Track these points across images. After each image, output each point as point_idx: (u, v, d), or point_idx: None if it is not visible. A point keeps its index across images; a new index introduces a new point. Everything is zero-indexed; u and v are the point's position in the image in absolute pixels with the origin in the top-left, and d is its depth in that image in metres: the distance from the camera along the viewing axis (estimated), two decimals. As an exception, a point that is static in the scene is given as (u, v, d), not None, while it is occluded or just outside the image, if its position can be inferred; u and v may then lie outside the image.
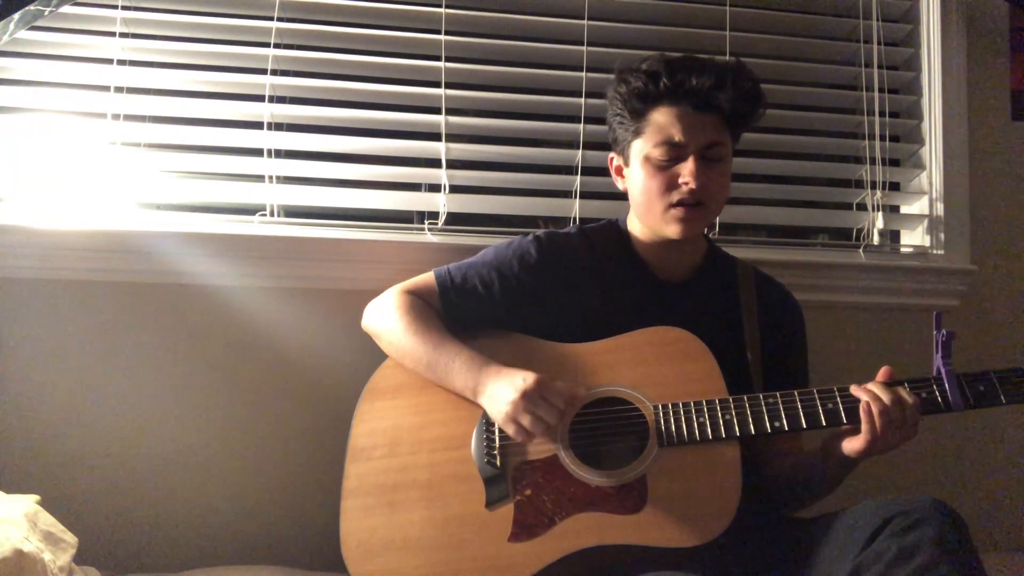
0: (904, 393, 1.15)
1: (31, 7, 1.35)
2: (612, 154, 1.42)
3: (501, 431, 1.25)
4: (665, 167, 1.29)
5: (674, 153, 1.29)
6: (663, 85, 1.28)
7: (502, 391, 1.21)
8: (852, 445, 1.15)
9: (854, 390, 1.17)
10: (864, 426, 1.13)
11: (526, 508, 1.19)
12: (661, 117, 1.29)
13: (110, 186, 1.60)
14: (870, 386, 1.16)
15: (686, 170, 1.28)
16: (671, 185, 1.29)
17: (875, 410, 1.12)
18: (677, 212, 1.30)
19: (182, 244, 1.56)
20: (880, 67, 1.86)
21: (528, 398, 1.18)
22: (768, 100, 1.36)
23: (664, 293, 1.39)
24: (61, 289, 1.55)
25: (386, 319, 1.36)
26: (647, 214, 1.34)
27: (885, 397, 1.13)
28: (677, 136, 1.28)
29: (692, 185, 1.27)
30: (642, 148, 1.31)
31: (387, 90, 1.72)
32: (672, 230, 1.31)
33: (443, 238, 1.67)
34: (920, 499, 1.05)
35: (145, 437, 1.55)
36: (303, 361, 1.60)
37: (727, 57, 1.79)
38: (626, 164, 1.37)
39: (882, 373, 1.19)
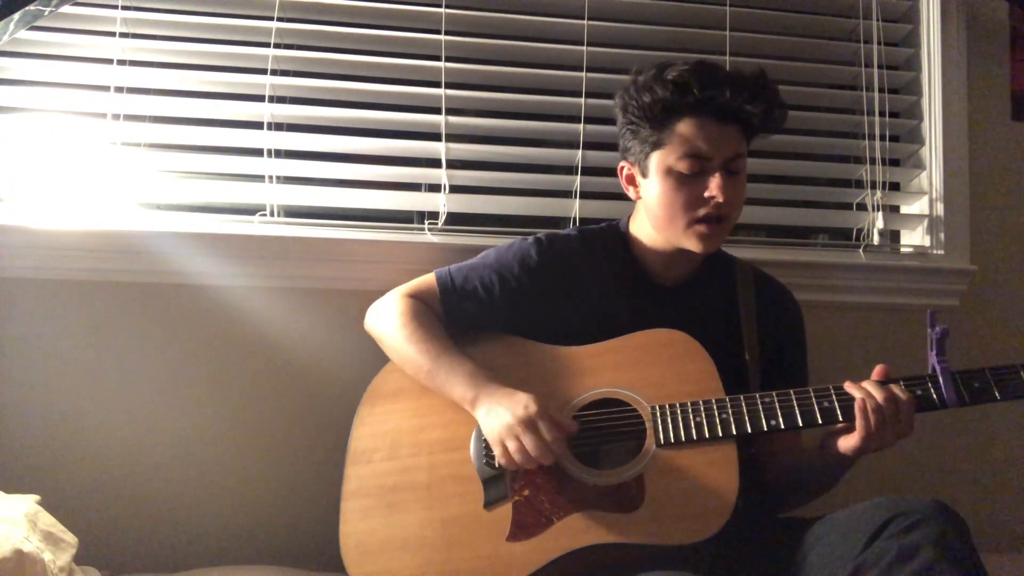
0: (898, 390, 1.15)
1: (31, 7, 1.35)
2: (623, 163, 1.38)
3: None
4: (689, 181, 1.27)
5: (699, 166, 1.26)
6: (692, 98, 1.24)
7: (500, 411, 1.20)
8: (847, 443, 1.16)
9: (848, 387, 1.17)
10: (858, 423, 1.14)
11: (524, 508, 1.19)
12: (685, 129, 1.25)
13: (110, 186, 1.60)
14: (865, 384, 1.16)
15: (714, 184, 1.25)
16: (697, 200, 1.27)
17: (869, 407, 1.13)
18: (701, 228, 1.28)
19: (182, 244, 1.56)
20: (880, 67, 1.86)
21: (524, 424, 1.17)
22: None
23: (662, 296, 1.38)
24: (61, 289, 1.55)
25: (388, 324, 1.36)
26: (668, 227, 1.31)
27: (878, 394, 1.14)
28: (704, 149, 1.25)
29: (720, 199, 1.24)
30: (664, 160, 1.28)
31: (387, 90, 1.72)
32: (695, 245, 1.30)
33: (443, 238, 1.67)
34: (921, 500, 1.05)
35: (145, 437, 1.55)
36: (303, 361, 1.60)
37: (727, 58, 1.79)
38: (643, 175, 1.33)
39: (877, 371, 1.20)
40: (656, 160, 1.29)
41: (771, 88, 1.28)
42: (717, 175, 1.25)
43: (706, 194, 1.26)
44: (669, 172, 1.28)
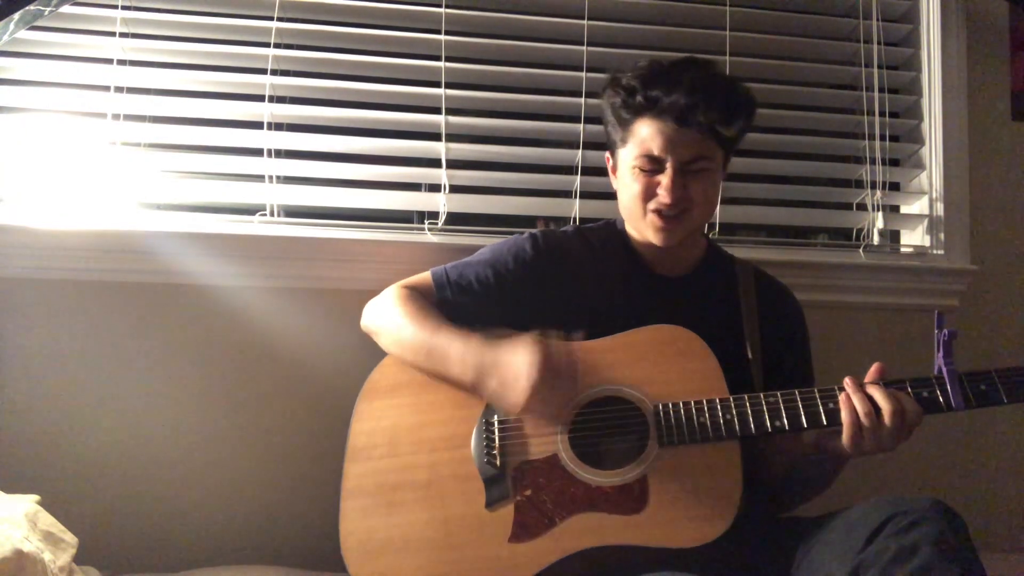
0: (908, 403, 1.14)
1: (31, 7, 1.35)
2: (607, 155, 1.43)
3: (501, 431, 1.25)
4: (646, 175, 1.30)
5: (653, 165, 1.29)
6: (639, 101, 1.28)
7: (509, 376, 1.20)
8: (838, 442, 1.16)
9: (848, 385, 1.16)
10: (845, 422, 1.14)
11: (526, 508, 1.19)
12: (643, 129, 1.29)
13: (110, 186, 1.60)
14: (870, 390, 1.15)
15: (662, 185, 1.28)
16: (650, 193, 1.30)
17: (861, 412, 1.13)
18: (656, 220, 1.31)
19: (182, 244, 1.56)
20: (880, 67, 1.86)
21: (543, 374, 1.18)
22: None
23: (664, 288, 1.39)
24: (61, 289, 1.55)
25: (384, 314, 1.36)
26: (631, 218, 1.37)
27: (887, 405, 1.12)
28: (656, 151, 1.28)
29: (666, 200, 1.28)
30: (626, 156, 1.33)
31: (387, 90, 1.72)
32: (655, 237, 1.33)
33: (443, 238, 1.67)
34: (920, 499, 1.05)
35: (145, 437, 1.55)
36: (302, 360, 1.60)
37: (727, 58, 1.79)
38: (615, 168, 1.39)
39: (873, 371, 1.19)
40: (621, 156, 1.35)
41: (727, 94, 1.28)
42: (667, 175, 1.28)
43: (658, 189, 1.29)
44: (629, 168, 1.32)
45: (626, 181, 1.34)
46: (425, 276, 1.40)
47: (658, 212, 1.30)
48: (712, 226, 1.76)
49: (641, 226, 1.34)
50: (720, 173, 1.35)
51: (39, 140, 1.58)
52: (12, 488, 1.28)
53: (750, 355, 1.36)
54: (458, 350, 1.26)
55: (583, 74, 1.75)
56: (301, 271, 1.61)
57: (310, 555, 1.53)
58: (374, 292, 1.42)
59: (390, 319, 1.34)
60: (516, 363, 1.20)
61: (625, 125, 1.32)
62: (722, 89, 1.29)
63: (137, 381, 1.56)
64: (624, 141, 1.33)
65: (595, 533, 1.14)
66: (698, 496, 1.14)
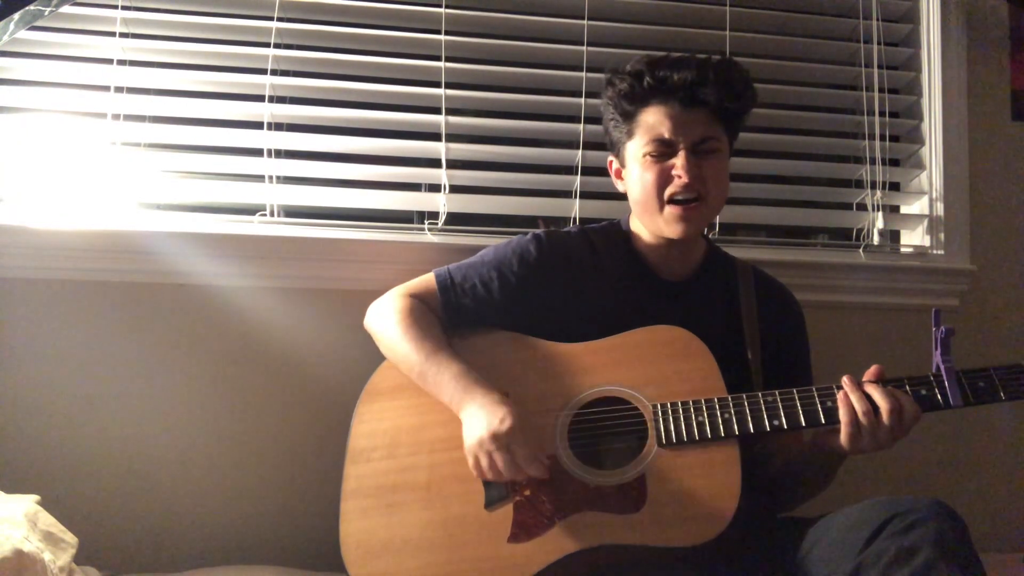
0: (906, 401, 1.13)
1: (31, 7, 1.35)
2: (611, 157, 1.43)
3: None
4: (658, 163, 1.30)
5: (665, 150, 1.30)
6: (647, 83, 1.30)
7: (476, 421, 1.20)
8: (835, 440, 1.15)
9: (846, 385, 1.16)
10: (843, 420, 1.13)
11: (525, 508, 1.19)
12: (650, 116, 1.30)
13: (110, 186, 1.60)
14: (869, 389, 1.15)
15: (678, 164, 1.28)
16: (666, 179, 1.30)
17: (859, 410, 1.13)
18: (676, 211, 1.30)
19: (182, 244, 1.56)
20: (880, 67, 1.86)
21: (495, 440, 1.17)
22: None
23: (665, 292, 1.39)
24: (61, 289, 1.55)
25: (385, 322, 1.36)
26: (645, 212, 1.34)
27: (885, 404, 1.12)
28: (666, 133, 1.28)
29: (684, 179, 1.27)
30: (635, 148, 1.33)
31: (387, 90, 1.72)
32: (672, 230, 1.31)
33: (443, 238, 1.67)
34: (920, 499, 1.05)
35: (145, 437, 1.55)
36: (303, 361, 1.60)
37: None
38: (623, 166, 1.38)
39: (871, 372, 1.18)
40: (630, 150, 1.34)
41: (726, 71, 1.31)
42: (681, 156, 1.28)
43: (672, 172, 1.29)
44: (640, 159, 1.32)
45: (637, 173, 1.33)
46: (428, 278, 1.40)
47: (676, 200, 1.29)
48: (712, 226, 1.76)
49: (658, 221, 1.33)
50: (728, 159, 1.36)
51: (39, 140, 1.59)
52: (12, 488, 1.28)
53: (750, 356, 1.36)
54: (447, 384, 1.26)
55: (583, 74, 1.75)
56: (301, 271, 1.61)
57: (310, 555, 1.54)
58: (374, 292, 1.42)
59: (388, 331, 1.34)
60: (478, 424, 1.19)
61: (630, 117, 1.33)
62: (725, 68, 1.31)
63: (137, 381, 1.56)
64: (631, 134, 1.33)
65: (594, 533, 1.14)
66: (696, 496, 1.14)
